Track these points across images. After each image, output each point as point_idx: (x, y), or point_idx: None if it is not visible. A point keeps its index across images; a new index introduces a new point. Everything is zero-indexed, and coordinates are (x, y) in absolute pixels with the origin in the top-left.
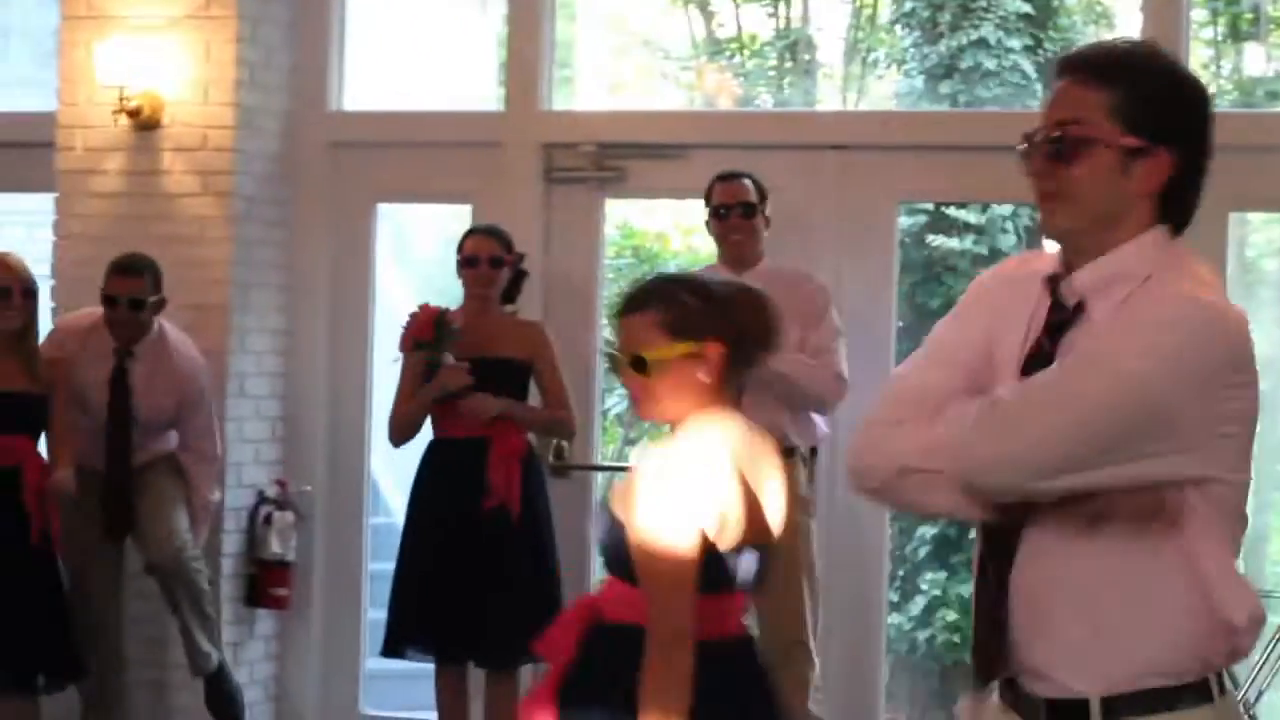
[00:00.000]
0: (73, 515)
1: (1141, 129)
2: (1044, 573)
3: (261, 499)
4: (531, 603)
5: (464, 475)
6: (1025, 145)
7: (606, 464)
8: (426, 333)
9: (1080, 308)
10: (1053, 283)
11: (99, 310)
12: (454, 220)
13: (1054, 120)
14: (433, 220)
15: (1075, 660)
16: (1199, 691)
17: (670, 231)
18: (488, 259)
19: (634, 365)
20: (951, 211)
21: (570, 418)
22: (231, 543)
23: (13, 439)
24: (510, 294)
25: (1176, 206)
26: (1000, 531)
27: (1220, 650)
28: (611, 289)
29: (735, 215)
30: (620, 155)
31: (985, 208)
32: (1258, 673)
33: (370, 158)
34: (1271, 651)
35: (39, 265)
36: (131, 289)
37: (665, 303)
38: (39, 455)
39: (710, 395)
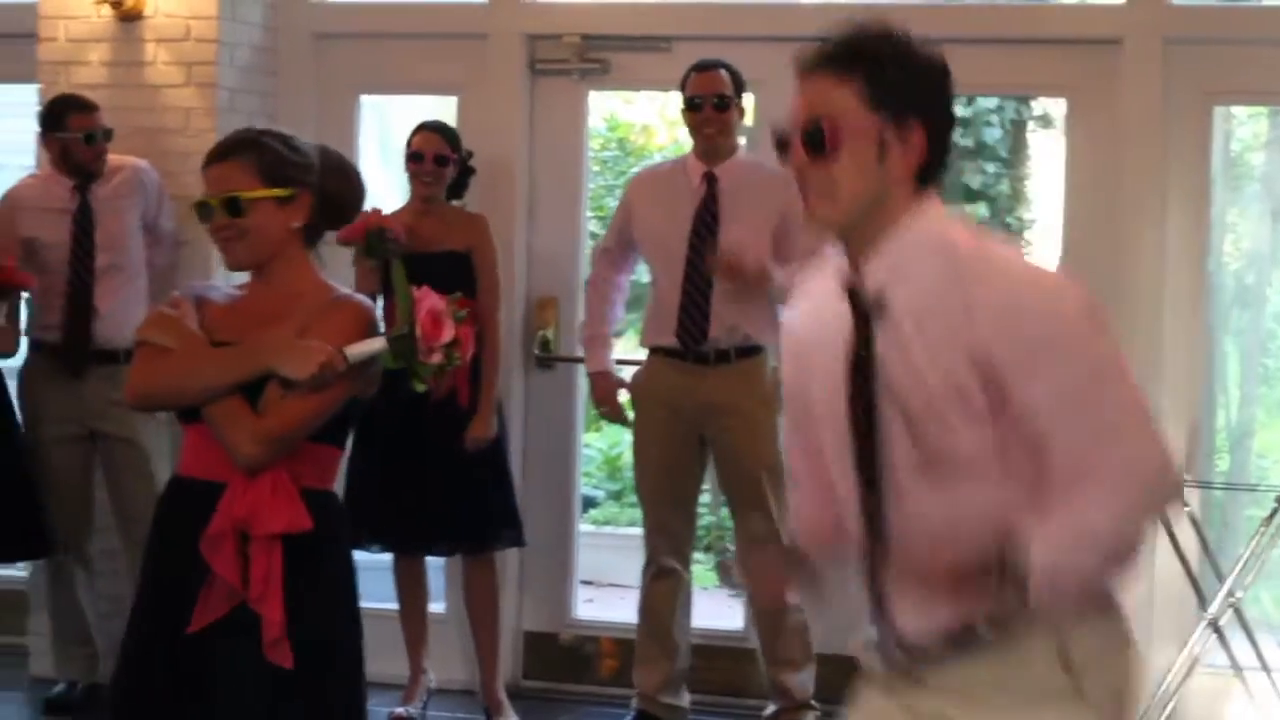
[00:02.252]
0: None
1: (890, 110)
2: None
3: None
4: (493, 487)
5: None
6: (780, 137)
7: None
8: (357, 236)
9: (880, 302)
10: (850, 287)
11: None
12: (439, 113)
13: (808, 115)
14: (418, 113)
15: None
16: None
17: (656, 124)
18: (433, 156)
19: (228, 206)
20: None
21: (492, 322)
22: None
23: None
24: (457, 190)
25: (931, 172)
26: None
27: None
28: (597, 182)
29: (708, 107)
30: (604, 47)
31: (970, 100)
32: (1242, 566)
33: (354, 49)
34: (1255, 546)
35: (22, 156)
36: (89, 125)
37: (257, 150)
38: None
39: (294, 243)
